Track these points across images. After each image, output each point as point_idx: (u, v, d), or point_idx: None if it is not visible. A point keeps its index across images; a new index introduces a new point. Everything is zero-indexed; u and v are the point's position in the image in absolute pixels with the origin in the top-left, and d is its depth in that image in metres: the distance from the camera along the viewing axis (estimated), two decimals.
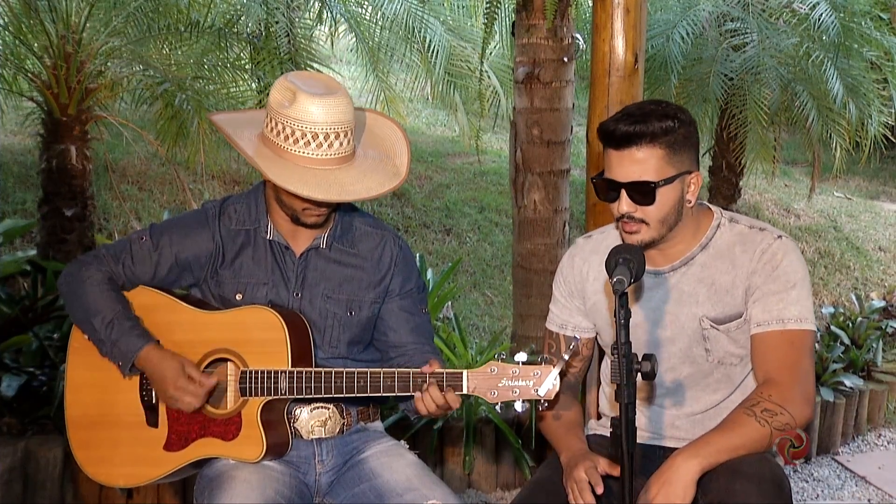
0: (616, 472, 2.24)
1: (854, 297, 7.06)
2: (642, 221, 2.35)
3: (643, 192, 2.32)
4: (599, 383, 2.74)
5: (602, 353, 2.72)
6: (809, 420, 2.38)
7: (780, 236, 2.44)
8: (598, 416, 2.74)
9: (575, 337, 2.57)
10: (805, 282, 2.41)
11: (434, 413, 2.39)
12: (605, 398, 2.68)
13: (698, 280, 2.44)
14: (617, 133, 2.31)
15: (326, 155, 2.41)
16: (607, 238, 2.58)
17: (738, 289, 2.42)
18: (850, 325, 6.06)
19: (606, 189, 2.38)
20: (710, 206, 2.52)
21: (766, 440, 2.29)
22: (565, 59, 4.98)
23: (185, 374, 2.47)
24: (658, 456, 2.44)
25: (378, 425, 2.75)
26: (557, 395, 2.30)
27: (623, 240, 2.42)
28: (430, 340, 2.71)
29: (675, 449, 2.36)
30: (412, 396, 2.41)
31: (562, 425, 2.51)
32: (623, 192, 2.34)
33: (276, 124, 2.42)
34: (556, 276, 2.65)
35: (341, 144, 2.42)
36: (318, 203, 2.44)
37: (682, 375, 2.48)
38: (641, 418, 2.49)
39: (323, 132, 2.39)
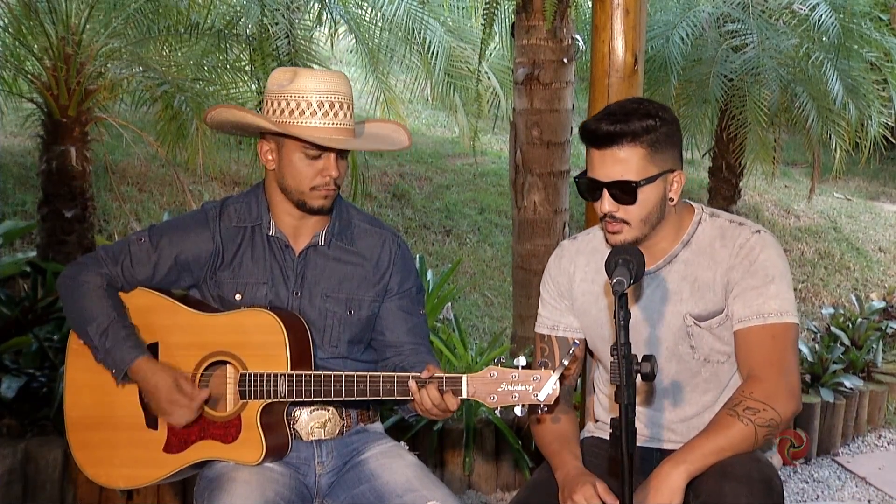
0: (611, 499, 2.24)
1: (854, 298, 7.06)
2: (624, 221, 2.36)
3: (625, 192, 2.32)
4: (594, 390, 2.73)
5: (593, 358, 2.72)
6: (795, 413, 2.38)
7: (758, 231, 2.44)
8: (596, 420, 2.74)
9: (575, 342, 2.57)
10: (784, 275, 2.41)
11: (430, 413, 2.39)
12: (599, 404, 2.68)
13: (682, 277, 2.45)
14: (598, 132, 2.31)
15: (332, 124, 2.46)
16: (593, 240, 2.59)
17: (718, 285, 2.42)
18: (850, 325, 6.06)
19: (589, 188, 2.38)
20: (692, 202, 2.52)
21: (751, 438, 2.29)
22: (565, 60, 4.98)
23: (178, 388, 2.47)
24: (655, 458, 2.43)
25: (378, 426, 2.75)
26: (557, 399, 2.30)
27: (607, 240, 2.43)
28: (427, 341, 2.72)
29: (672, 451, 2.36)
30: (411, 400, 2.41)
31: (555, 439, 2.50)
32: (605, 192, 2.34)
33: (279, 103, 2.45)
34: (543, 279, 2.66)
35: (344, 115, 2.47)
36: (331, 149, 2.45)
37: (670, 374, 2.48)
38: (638, 421, 2.49)
39: (328, 101, 2.44)
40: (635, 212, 2.34)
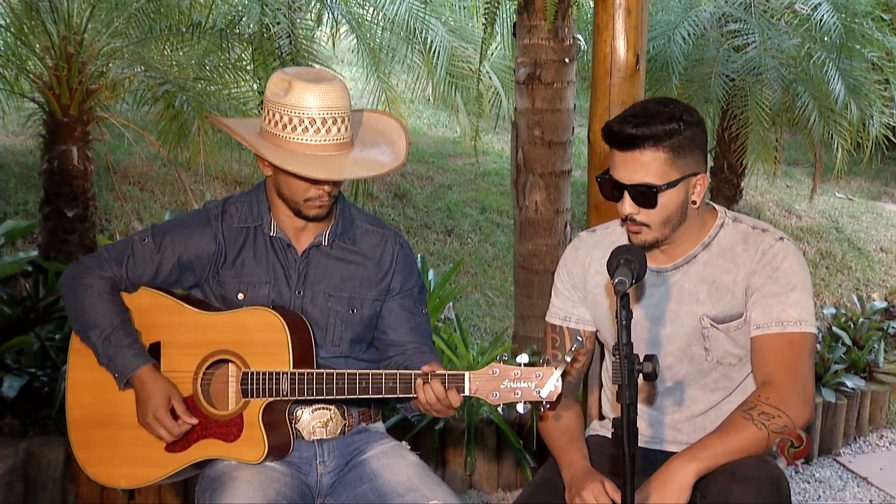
0: (620, 497, 2.24)
1: (855, 298, 7.06)
2: (644, 224, 2.35)
3: (645, 195, 2.31)
4: (602, 385, 2.73)
5: (603, 354, 2.71)
6: (808, 422, 2.38)
7: (781, 238, 2.43)
8: (601, 417, 2.73)
9: (578, 338, 2.57)
10: (806, 284, 2.40)
11: (433, 410, 2.39)
12: (606, 400, 2.68)
13: (700, 278, 2.44)
14: (621, 135, 2.29)
15: (324, 141, 2.42)
16: (612, 234, 2.58)
17: (738, 288, 2.41)
18: (852, 325, 6.06)
19: (611, 188, 2.37)
20: (716, 205, 2.51)
21: (763, 443, 2.29)
22: (566, 60, 4.98)
23: (168, 407, 2.48)
24: (659, 459, 2.43)
25: (379, 426, 2.75)
26: (559, 396, 2.30)
27: (629, 239, 2.42)
28: (429, 340, 2.72)
29: (672, 452, 2.36)
30: (414, 398, 2.41)
31: (563, 435, 2.49)
32: (626, 194, 2.33)
33: (274, 115, 2.43)
34: (558, 269, 2.64)
35: (339, 130, 2.43)
36: (317, 181, 2.44)
37: (680, 374, 2.48)
38: (642, 420, 2.49)
39: (320, 118, 2.40)
40: (656, 215, 2.33)
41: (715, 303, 2.43)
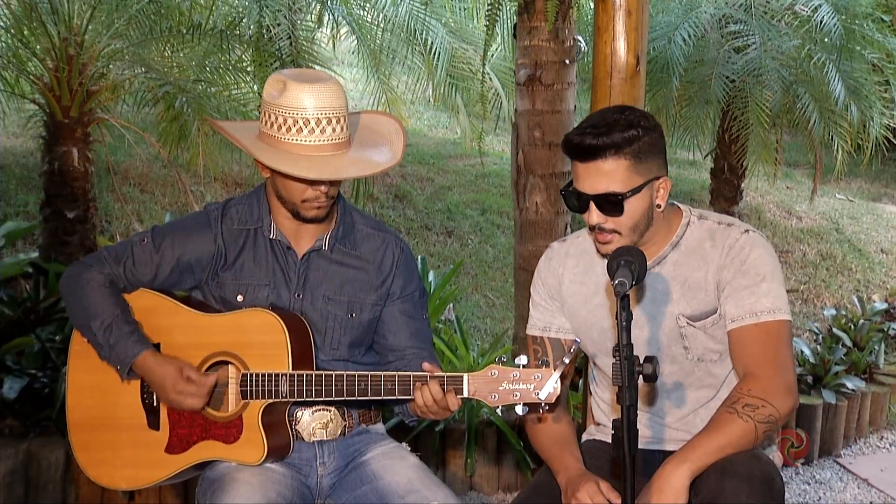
0: (615, 497, 2.25)
1: (856, 299, 7.05)
2: (614, 231, 2.36)
3: (612, 204, 2.33)
4: (590, 392, 2.73)
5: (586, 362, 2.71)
6: (793, 409, 2.39)
7: (747, 230, 2.45)
8: (597, 424, 2.73)
9: (576, 340, 2.57)
10: (775, 273, 2.42)
11: (430, 412, 2.39)
12: (597, 406, 2.68)
13: (672, 278, 2.45)
14: (581, 146, 2.31)
15: (319, 141, 2.42)
16: (583, 242, 2.60)
17: (709, 284, 2.43)
18: (852, 327, 6.06)
19: (576, 200, 2.39)
20: (680, 205, 2.53)
21: (751, 435, 2.30)
22: (567, 61, 4.98)
23: (184, 377, 2.47)
24: (658, 460, 2.44)
25: (380, 427, 2.75)
26: (558, 398, 2.30)
27: (598, 250, 2.43)
28: (430, 345, 2.72)
29: (670, 451, 2.36)
30: (412, 399, 2.41)
31: (554, 443, 2.50)
32: (592, 205, 2.35)
33: (270, 116, 2.43)
34: (534, 281, 2.66)
35: (334, 130, 2.42)
36: (312, 182, 2.43)
37: (664, 375, 2.48)
38: (639, 421, 2.49)
39: (314, 118, 2.40)
40: (624, 222, 2.36)
41: (689, 301, 2.44)
